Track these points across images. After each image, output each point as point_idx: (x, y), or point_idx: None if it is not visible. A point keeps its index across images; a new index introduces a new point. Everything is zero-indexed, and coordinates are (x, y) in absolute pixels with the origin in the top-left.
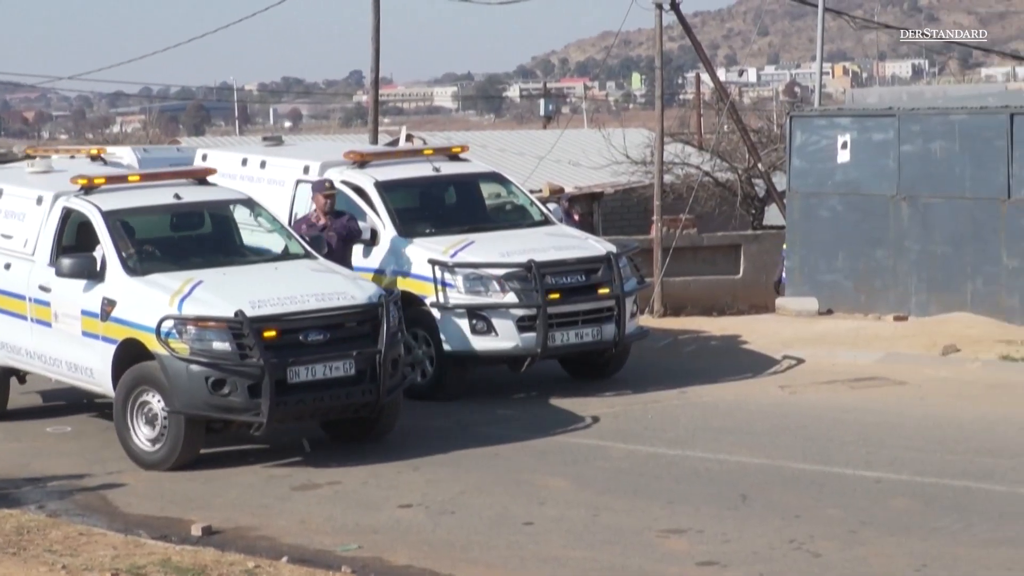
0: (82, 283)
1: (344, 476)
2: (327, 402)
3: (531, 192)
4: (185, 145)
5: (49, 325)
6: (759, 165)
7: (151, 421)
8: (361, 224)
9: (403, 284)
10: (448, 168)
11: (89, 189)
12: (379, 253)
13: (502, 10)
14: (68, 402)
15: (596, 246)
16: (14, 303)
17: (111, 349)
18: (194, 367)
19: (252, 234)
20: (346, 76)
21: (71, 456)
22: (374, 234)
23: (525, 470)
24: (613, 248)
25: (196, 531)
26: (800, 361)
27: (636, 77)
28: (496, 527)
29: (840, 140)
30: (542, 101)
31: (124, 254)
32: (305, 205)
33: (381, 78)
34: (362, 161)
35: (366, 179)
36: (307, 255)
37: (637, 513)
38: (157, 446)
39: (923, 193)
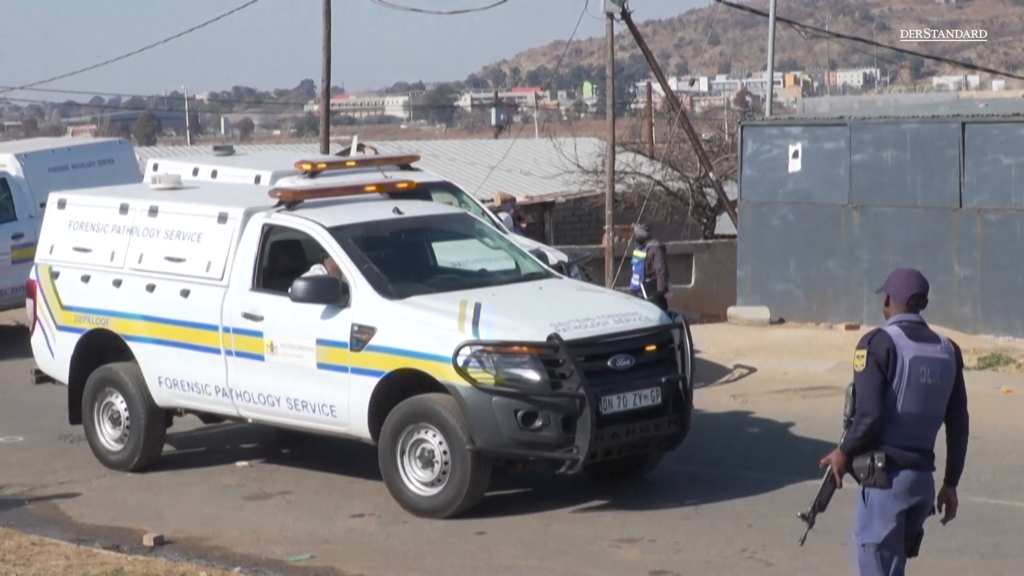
0: (316, 309)
1: (296, 486)
2: (638, 434)
3: (483, 201)
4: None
5: (261, 358)
6: (710, 174)
7: (428, 462)
8: None
9: None
10: (399, 177)
11: (292, 204)
12: None
13: (453, 20)
14: (21, 413)
15: (547, 255)
16: (197, 334)
17: (371, 382)
18: (501, 399)
19: (470, 251)
20: (297, 86)
21: (24, 466)
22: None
23: None
24: (565, 257)
25: (148, 541)
26: (752, 370)
27: (587, 86)
28: (448, 536)
29: (791, 149)
30: (493, 110)
31: (372, 274)
32: None
33: (332, 88)
34: (313, 171)
35: None
36: (547, 273)
37: (589, 522)
38: (436, 489)
39: (874, 202)
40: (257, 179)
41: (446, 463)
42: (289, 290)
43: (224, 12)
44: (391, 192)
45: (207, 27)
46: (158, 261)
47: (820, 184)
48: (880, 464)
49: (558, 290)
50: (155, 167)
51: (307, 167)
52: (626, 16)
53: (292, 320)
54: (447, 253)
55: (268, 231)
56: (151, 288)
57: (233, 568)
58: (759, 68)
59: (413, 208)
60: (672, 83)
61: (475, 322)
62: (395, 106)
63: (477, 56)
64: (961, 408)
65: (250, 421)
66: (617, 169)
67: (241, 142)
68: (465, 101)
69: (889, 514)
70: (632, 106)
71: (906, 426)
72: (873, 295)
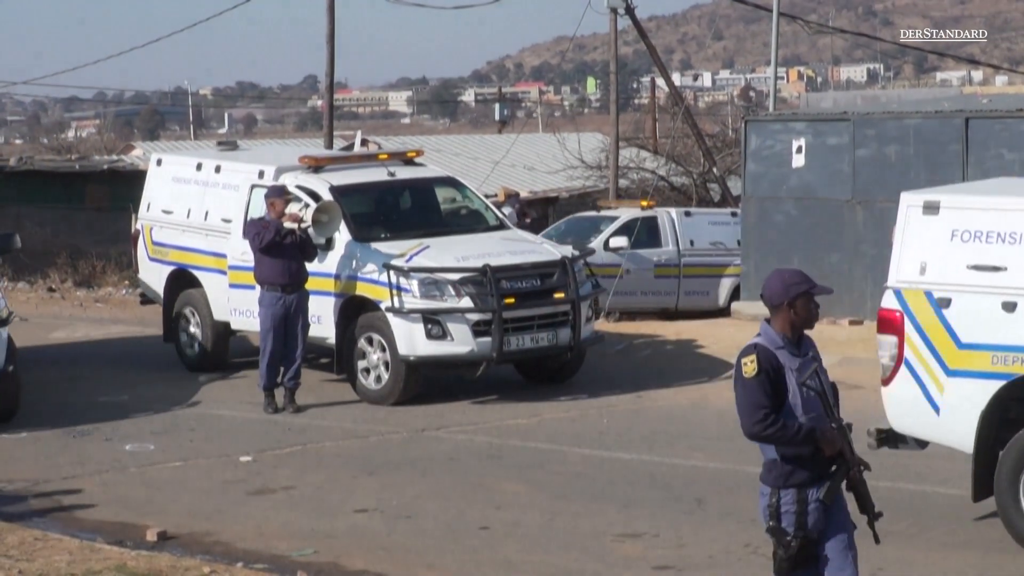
0: None
1: (299, 481)
2: None
3: (486, 196)
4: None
5: None
6: (714, 169)
7: None
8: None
9: (358, 289)
10: (403, 173)
11: None
12: (334, 257)
13: (457, 15)
14: (23, 408)
15: (551, 250)
16: None
17: None
18: None
19: None
20: (301, 81)
21: (27, 461)
22: (329, 239)
23: (481, 475)
24: (568, 252)
25: (151, 536)
26: None
27: (591, 81)
28: (452, 532)
29: (795, 144)
30: (497, 105)
31: None
32: (260, 210)
33: (336, 83)
34: (317, 166)
35: (321, 184)
36: None
37: (593, 517)
38: None
39: (878, 197)
40: (261, 174)
41: None
42: None
43: (227, 7)
44: None
45: (211, 22)
46: None
47: (824, 179)
48: None
49: None
50: (159, 162)
51: (311, 162)
52: (630, 11)
53: None
54: None
55: None
56: None
57: (236, 563)
58: (762, 63)
59: None
60: (676, 78)
61: None
62: (399, 101)
63: (480, 51)
64: None
65: None
66: (621, 164)
67: (245, 137)
68: (469, 96)
69: None
70: (636, 101)
71: None
72: (876, 289)
